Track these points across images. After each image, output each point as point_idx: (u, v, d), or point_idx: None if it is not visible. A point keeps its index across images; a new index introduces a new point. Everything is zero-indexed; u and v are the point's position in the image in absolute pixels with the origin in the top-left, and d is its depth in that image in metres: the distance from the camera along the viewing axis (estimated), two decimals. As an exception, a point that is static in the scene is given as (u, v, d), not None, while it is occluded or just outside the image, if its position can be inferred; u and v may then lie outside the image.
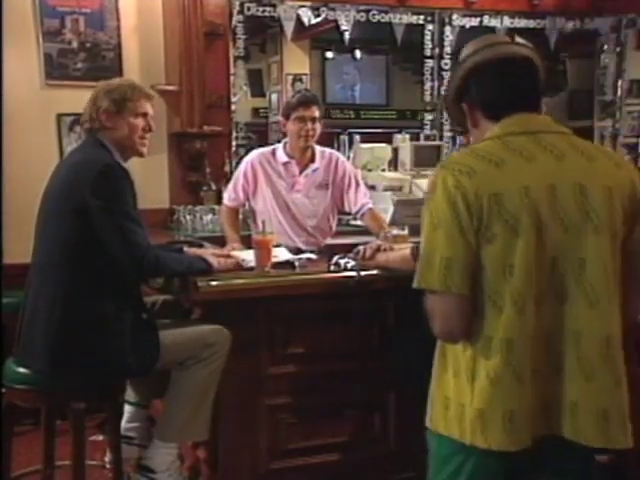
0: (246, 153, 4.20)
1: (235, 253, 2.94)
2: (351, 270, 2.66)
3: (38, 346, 2.45)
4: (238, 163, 4.16)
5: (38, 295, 2.50)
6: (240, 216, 4.02)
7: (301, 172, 3.65)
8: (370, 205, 3.75)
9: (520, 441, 1.64)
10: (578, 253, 1.64)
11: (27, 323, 2.51)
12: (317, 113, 3.55)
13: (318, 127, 3.58)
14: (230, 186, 3.78)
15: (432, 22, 5.38)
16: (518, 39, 1.86)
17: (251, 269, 2.74)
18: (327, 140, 5.94)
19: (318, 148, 3.72)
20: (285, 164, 3.65)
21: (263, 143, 4.56)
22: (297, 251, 3.17)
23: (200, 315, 2.88)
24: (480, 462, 1.69)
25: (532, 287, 1.62)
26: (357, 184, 3.75)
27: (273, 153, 3.69)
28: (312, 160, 3.67)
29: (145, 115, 2.62)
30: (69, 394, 2.50)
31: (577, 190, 1.64)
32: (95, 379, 2.47)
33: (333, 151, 3.89)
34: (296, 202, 3.65)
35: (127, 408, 2.85)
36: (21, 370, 2.51)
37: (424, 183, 4.09)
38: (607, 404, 1.65)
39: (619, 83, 5.90)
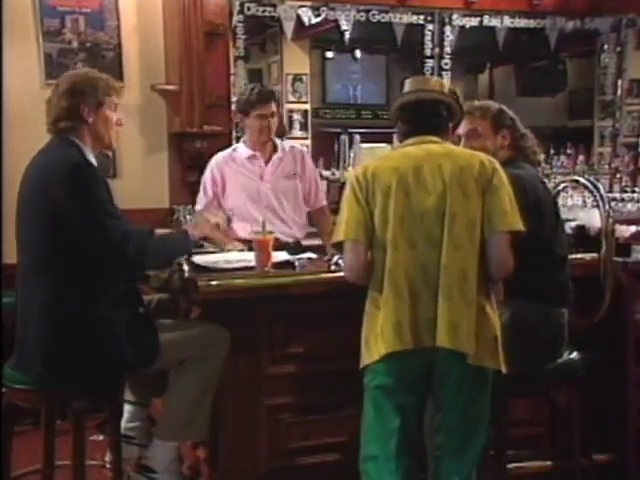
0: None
1: (233, 254, 2.96)
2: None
3: (33, 350, 2.44)
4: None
5: (27, 299, 2.48)
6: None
7: (267, 162, 3.70)
8: (324, 202, 3.93)
9: (405, 343, 2.23)
10: (440, 209, 2.27)
11: (20, 327, 2.50)
12: (274, 108, 3.62)
13: (276, 121, 3.66)
14: (200, 195, 3.76)
15: (432, 22, 5.37)
16: (438, 81, 2.61)
17: (251, 269, 2.74)
18: (327, 140, 5.95)
19: (277, 140, 3.79)
20: (249, 157, 3.69)
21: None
22: (293, 247, 3.20)
23: (199, 314, 2.88)
24: (383, 378, 2.32)
25: (403, 233, 2.27)
26: (317, 180, 3.87)
27: (233, 151, 3.75)
28: (275, 150, 3.72)
29: (116, 108, 2.59)
30: (69, 394, 2.50)
31: (436, 168, 2.30)
32: (94, 377, 2.46)
33: (295, 144, 3.94)
34: (267, 192, 3.69)
35: (127, 408, 2.85)
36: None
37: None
38: (458, 319, 2.22)
39: (619, 83, 5.89)
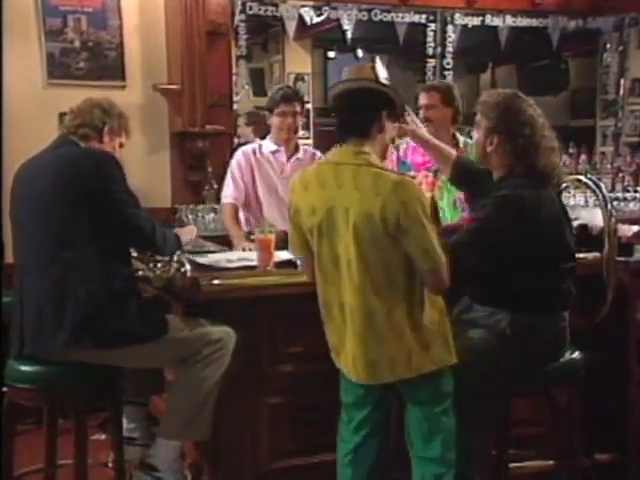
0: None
1: (235, 254, 2.96)
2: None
3: (56, 330, 2.45)
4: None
5: (39, 288, 2.51)
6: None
7: (288, 159, 3.81)
8: None
9: (359, 378, 2.38)
10: (347, 254, 2.29)
11: (35, 316, 2.50)
12: (298, 108, 3.74)
13: (299, 121, 3.80)
14: (229, 183, 3.83)
15: (434, 21, 5.38)
16: (372, 67, 2.41)
17: (253, 268, 2.74)
18: (329, 139, 5.95)
19: (300, 142, 3.94)
20: (274, 152, 3.81)
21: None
22: None
23: (182, 312, 2.87)
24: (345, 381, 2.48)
25: (328, 273, 2.36)
26: None
27: (259, 147, 3.85)
28: (297, 150, 3.85)
29: (121, 146, 2.80)
30: (71, 391, 2.52)
31: (344, 212, 2.28)
32: (107, 346, 2.49)
33: (316, 150, 4.04)
34: (284, 188, 3.72)
35: (125, 410, 2.84)
36: (23, 368, 2.52)
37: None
38: (373, 357, 2.32)
39: (621, 82, 5.89)
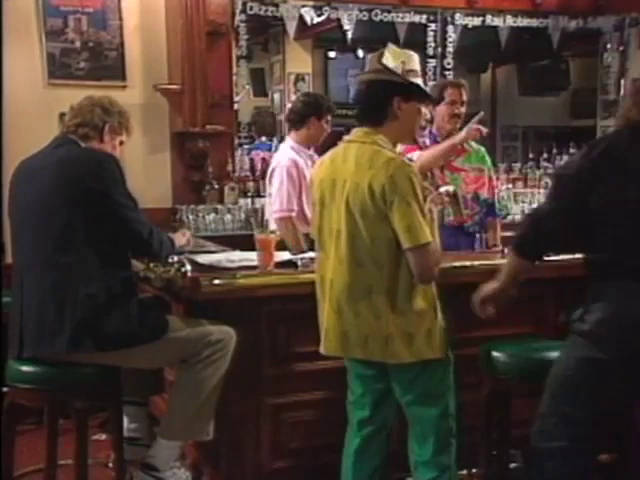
0: (248, 152, 4.26)
1: (235, 254, 2.97)
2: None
3: (56, 333, 2.45)
4: (240, 162, 4.19)
5: (39, 288, 2.51)
6: (243, 215, 4.04)
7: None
8: None
9: (329, 348, 2.42)
10: (339, 225, 2.35)
11: (36, 313, 2.50)
12: None
13: None
14: (292, 198, 3.70)
15: (435, 21, 5.38)
16: (379, 57, 2.40)
17: (254, 268, 2.75)
18: (330, 139, 5.96)
19: None
20: (311, 156, 3.77)
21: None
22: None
23: (182, 312, 2.88)
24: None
25: (323, 245, 2.42)
26: None
27: (292, 151, 3.77)
28: None
29: (122, 144, 2.79)
30: (72, 391, 2.52)
31: (342, 183, 2.35)
32: (114, 346, 2.50)
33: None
34: None
35: (127, 410, 2.85)
36: (24, 369, 2.52)
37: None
38: (347, 328, 2.35)
39: (622, 82, 5.88)
